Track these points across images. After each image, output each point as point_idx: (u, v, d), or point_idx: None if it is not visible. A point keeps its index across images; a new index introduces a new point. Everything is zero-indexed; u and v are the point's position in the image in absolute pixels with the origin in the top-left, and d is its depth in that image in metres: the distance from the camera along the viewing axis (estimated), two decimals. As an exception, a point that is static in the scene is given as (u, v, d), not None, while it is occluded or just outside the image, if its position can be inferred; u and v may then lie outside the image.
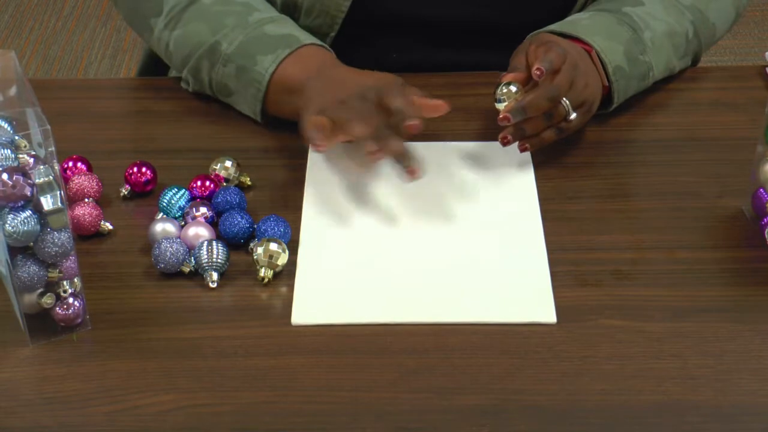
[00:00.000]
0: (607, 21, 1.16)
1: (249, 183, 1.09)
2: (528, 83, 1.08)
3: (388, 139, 1.01)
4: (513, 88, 1.06)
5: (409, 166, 1.02)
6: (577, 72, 1.07)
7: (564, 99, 1.06)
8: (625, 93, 1.16)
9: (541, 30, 1.16)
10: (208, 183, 1.06)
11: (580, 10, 1.24)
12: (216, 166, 1.09)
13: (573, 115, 1.07)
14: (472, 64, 1.26)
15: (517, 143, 1.08)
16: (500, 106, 1.06)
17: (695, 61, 1.26)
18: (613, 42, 1.14)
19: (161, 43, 1.20)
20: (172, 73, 1.31)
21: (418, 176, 1.02)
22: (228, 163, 1.08)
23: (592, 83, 1.10)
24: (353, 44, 1.23)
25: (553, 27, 1.16)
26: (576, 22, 1.17)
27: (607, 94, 1.14)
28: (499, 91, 1.07)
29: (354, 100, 1.04)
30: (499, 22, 1.25)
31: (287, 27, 1.16)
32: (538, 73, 1.03)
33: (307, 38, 1.14)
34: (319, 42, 1.16)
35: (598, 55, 1.13)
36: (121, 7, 1.25)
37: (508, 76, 1.08)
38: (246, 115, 1.17)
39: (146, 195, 1.08)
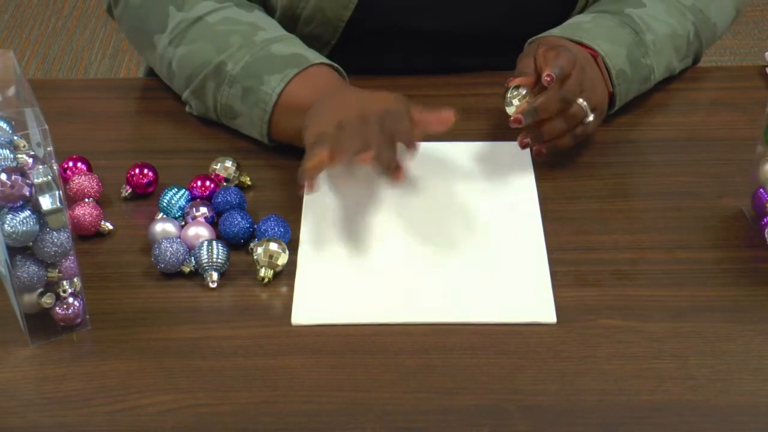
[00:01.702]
0: (609, 24, 1.16)
1: (249, 183, 1.09)
2: (536, 86, 1.07)
3: (383, 152, 0.99)
4: (523, 91, 1.06)
5: (395, 173, 1.00)
6: (585, 76, 1.07)
7: (581, 100, 1.06)
8: (626, 96, 1.16)
9: (543, 34, 1.15)
10: (208, 183, 1.06)
11: (582, 12, 1.23)
12: (216, 166, 1.09)
13: (591, 117, 1.07)
14: (473, 70, 1.26)
15: (529, 146, 1.09)
16: (510, 110, 1.06)
17: (696, 60, 1.26)
18: (616, 46, 1.13)
19: (164, 61, 1.17)
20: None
21: (402, 178, 1.00)
22: (228, 163, 1.08)
23: (599, 88, 1.10)
24: (353, 52, 1.23)
25: (555, 31, 1.15)
26: (578, 26, 1.16)
27: (610, 98, 1.14)
28: (509, 95, 1.06)
29: (353, 124, 1.00)
30: (499, 30, 1.25)
31: (295, 47, 1.14)
32: (548, 79, 1.03)
33: (315, 57, 1.12)
34: (327, 61, 1.13)
35: (603, 61, 1.12)
36: (125, 23, 1.23)
37: (516, 80, 1.07)
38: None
39: (147, 195, 1.08)
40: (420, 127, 1.03)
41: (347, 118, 1.01)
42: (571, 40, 1.13)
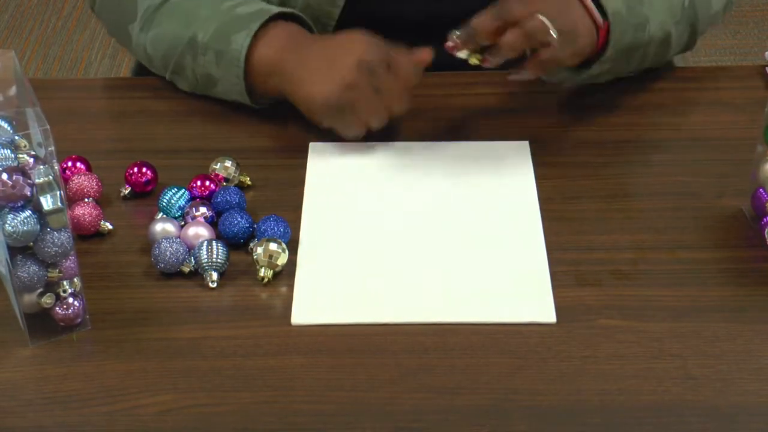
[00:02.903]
0: None
1: (249, 183, 1.09)
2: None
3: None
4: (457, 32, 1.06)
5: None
6: (544, 2, 1.05)
7: (542, 17, 1.03)
8: (621, 40, 1.11)
9: None
10: (208, 183, 1.06)
11: None
12: (216, 166, 1.08)
13: (553, 34, 1.03)
14: (467, 66, 1.25)
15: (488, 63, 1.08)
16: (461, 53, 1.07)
17: (692, 38, 1.22)
18: None
19: (140, 49, 1.20)
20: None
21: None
22: (228, 163, 1.08)
23: (570, 12, 1.07)
24: None
25: None
26: None
27: (604, 38, 1.11)
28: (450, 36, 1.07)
29: (361, 80, 1.06)
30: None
31: (258, 4, 1.16)
32: (450, 45, 1.06)
33: (277, 9, 1.15)
34: (289, 10, 1.16)
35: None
36: (104, 19, 1.27)
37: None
38: (246, 115, 1.17)
39: (146, 195, 1.08)
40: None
41: (349, 75, 1.06)
42: None
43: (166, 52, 1.17)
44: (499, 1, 1.04)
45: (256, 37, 1.12)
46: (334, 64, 1.08)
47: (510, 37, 1.04)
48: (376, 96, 1.08)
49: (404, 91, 1.09)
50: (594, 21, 1.10)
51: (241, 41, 1.12)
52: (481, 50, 1.07)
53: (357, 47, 1.08)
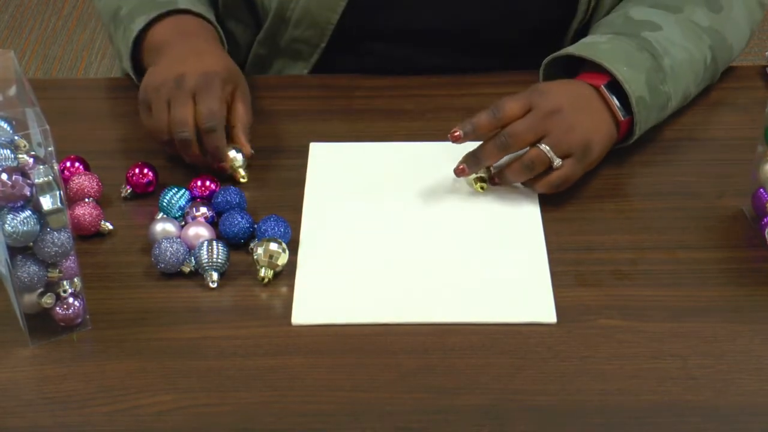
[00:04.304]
0: (627, 47, 1.11)
1: (248, 183, 1.09)
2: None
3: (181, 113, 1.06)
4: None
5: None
6: (554, 118, 1.04)
7: (543, 146, 1.03)
8: (645, 125, 1.10)
9: (559, 52, 1.13)
10: (208, 183, 1.06)
11: (582, 20, 1.22)
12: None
13: (557, 162, 1.04)
14: (467, 70, 1.25)
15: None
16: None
17: (712, 83, 1.22)
18: (635, 71, 1.09)
19: (101, 16, 1.27)
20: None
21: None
22: (234, 153, 1.08)
23: (583, 125, 1.05)
24: (344, 53, 1.23)
25: (571, 50, 1.12)
26: (596, 46, 1.12)
27: (627, 128, 1.10)
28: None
29: (169, 87, 1.07)
30: (493, 32, 1.24)
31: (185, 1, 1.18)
32: (450, 138, 1.04)
33: (184, 3, 1.16)
34: (197, 11, 1.17)
35: (622, 86, 1.07)
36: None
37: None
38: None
39: (147, 195, 1.08)
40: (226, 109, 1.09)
41: (165, 81, 1.08)
42: (589, 60, 1.10)
43: (106, 25, 1.23)
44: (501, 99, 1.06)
45: (155, 21, 1.15)
46: (176, 65, 1.09)
47: (514, 168, 1.05)
48: (165, 109, 1.07)
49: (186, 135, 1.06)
50: (614, 115, 1.08)
51: (138, 24, 1.15)
52: (487, 179, 1.08)
53: (202, 70, 1.08)
